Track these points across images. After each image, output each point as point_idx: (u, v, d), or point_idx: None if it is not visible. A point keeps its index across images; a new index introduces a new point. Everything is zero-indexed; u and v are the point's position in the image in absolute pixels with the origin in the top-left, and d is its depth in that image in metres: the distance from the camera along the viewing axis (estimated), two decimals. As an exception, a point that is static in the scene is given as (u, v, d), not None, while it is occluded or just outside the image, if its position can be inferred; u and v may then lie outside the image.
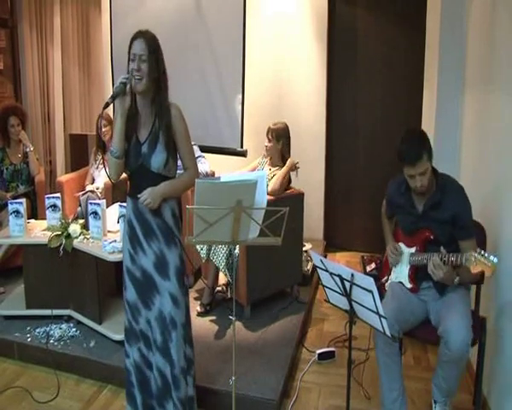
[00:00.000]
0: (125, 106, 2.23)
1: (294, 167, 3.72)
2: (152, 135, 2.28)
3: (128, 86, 2.21)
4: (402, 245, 2.67)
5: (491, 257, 2.18)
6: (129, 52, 2.24)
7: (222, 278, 3.72)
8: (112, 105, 2.24)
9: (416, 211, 2.57)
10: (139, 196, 2.27)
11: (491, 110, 2.91)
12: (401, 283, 2.66)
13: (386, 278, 2.78)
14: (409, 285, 2.61)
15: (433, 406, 2.55)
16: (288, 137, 3.79)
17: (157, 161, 2.27)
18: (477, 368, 2.60)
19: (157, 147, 2.27)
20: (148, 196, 2.25)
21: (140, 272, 2.39)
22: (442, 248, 2.37)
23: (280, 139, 3.73)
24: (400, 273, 2.67)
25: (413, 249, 2.60)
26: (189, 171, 2.38)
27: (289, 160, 3.72)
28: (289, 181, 3.77)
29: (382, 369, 2.51)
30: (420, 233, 2.56)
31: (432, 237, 2.51)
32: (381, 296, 2.77)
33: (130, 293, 2.42)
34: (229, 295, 3.75)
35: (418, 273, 2.59)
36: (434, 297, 2.56)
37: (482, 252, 2.21)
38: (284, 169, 3.66)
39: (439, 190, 2.48)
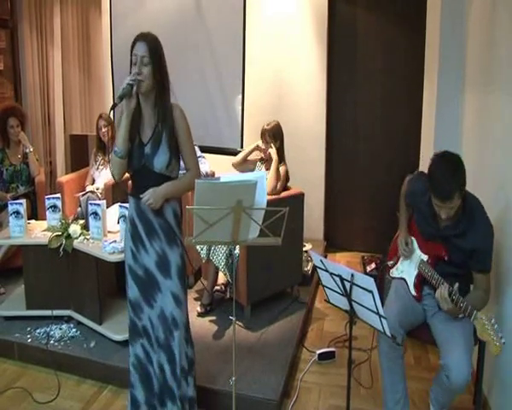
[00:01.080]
0: (130, 107, 2.24)
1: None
2: (155, 136, 2.30)
3: (135, 88, 2.21)
4: (415, 242, 2.63)
5: (500, 335, 2.07)
6: (131, 54, 2.26)
7: (221, 278, 3.72)
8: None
9: (437, 226, 2.45)
10: (141, 196, 2.28)
11: (491, 110, 2.90)
12: (404, 279, 2.64)
13: (392, 262, 2.75)
14: (414, 293, 2.58)
15: (431, 407, 2.56)
16: (283, 134, 3.79)
17: (160, 161, 2.28)
18: (477, 368, 2.60)
19: (160, 148, 2.29)
20: (150, 196, 2.27)
21: (142, 270, 2.40)
22: (456, 285, 2.26)
23: (277, 139, 3.73)
24: (407, 271, 2.64)
25: (425, 257, 2.53)
26: (191, 171, 2.40)
27: (273, 154, 3.67)
28: (287, 179, 3.77)
29: (386, 372, 2.50)
30: (435, 246, 2.47)
31: (446, 258, 2.42)
32: (384, 279, 2.76)
33: (132, 291, 2.43)
34: (228, 295, 3.75)
35: (424, 282, 2.55)
36: (434, 309, 2.51)
37: (493, 322, 2.10)
38: (273, 164, 3.64)
39: (465, 219, 2.34)
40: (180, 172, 2.43)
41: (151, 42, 2.24)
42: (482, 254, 2.33)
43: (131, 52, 2.25)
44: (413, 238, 2.65)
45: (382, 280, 2.84)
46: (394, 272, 2.73)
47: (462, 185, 2.25)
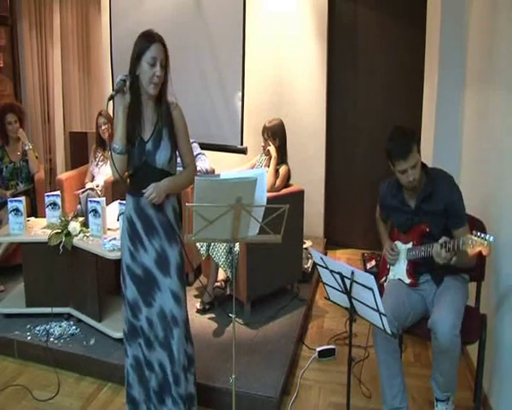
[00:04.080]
0: (125, 102, 2.25)
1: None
2: (156, 132, 2.31)
3: (127, 84, 2.22)
4: (398, 243, 2.69)
5: (488, 236, 2.19)
6: (141, 53, 2.21)
7: (221, 274, 3.72)
8: (112, 104, 2.25)
9: (409, 208, 2.60)
10: (144, 191, 2.27)
11: (491, 108, 2.90)
12: (400, 279, 2.66)
13: (384, 278, 2.78)
14: (407, 280, 2.62)
15: (435, 405, 2.55)
16: (284, 133, 3.78)
17: (162, 156, 2.30)
18: (477, 365, 2.60)
19: (161, 144, 2.30)
20: (152, 190, 2.26)
21: (141, 269, 2.39)
22: (444, 238, 2.37)
23: (276, 137, 3.72)
24: (398, 270, 2.68)
25: (410, 245, 2.61)
26: (190, 167, 2.42)
27: (272, 151, 3.68)
28: (288, 177, 3.76)
29: (382, 365, 2.50)
30: (416, 228, 2.58)
31: (428, 230, 2.52)
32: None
33: (130, 291, 2.42)
34: (228, 292, 3.74)
35: (416, 267, 2.60)
36: (432, 289, 2.58)
37: (479, 233, 2.22)
38: (272, 161, 3.65)
39: (429, 183, 2.51)
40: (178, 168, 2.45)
41: (164, 42, 2.27)
42: (454, 208, 2.47)
43: (144, 51, 2.21)
44: (396, 242, 2.71)
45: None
46: (387, 282, 2.75)
47: (417, 141, 2.46)
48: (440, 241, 2.35)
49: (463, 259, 2.35)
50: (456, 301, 2.43)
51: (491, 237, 2.18)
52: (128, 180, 2.43)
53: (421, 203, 2.54)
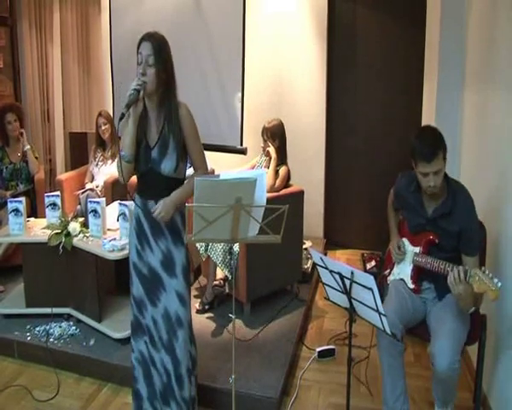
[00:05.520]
0: (137, 111, 2.22)
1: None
2: (161, 139, 2.28)
3: (142, 92, 2.18)
4: (406, 242, 2.65)
5: (495, 280, 2.13)
6: (137, 53, 2.24)
7: (220, 273, 3.71)
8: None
9: (424, 213, 2.52)
10: (152, 210, 2.27)
11: (491, 108, 2.90)
12: (402, 280, 2.65)
13: (388, 271, 2.76)
14: (411, 286, 2.59)
15: (435, 406, 2.55)
16: (284, 134, 3.78)
17: (167, 166, 2.27)
18: (477, 365, 2.59)
19: (167, 152, 2.27)
20: (161, 209, 2.25)
21: (147, 268, 2.39)
22: (467, 267, 2.29)
23: (276, 138, 3.72)
24: (403, 270, 2.66)
25: (417, 249, 2.57)
26: (199, 171, 2.39)
27: (272, 152, 3.70)
28: (288, 178, 3.76)
29: (386, 369, 2.48)
30: (425, 235, 2.52)
31: (436, 242, 2.47)
32: (383, 288, 2.77)
33: (136, 288, 2.43)
34: (226, 290, 3.74)
35: (421, 274, 2.57)
36: (433, 301, 2.55)
37: (487, 272, 2.16)
38: (272, 162, 3.66)
39: (450, 199, 2.42)
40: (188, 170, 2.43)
41: (156, 41, 2.22)
42: (469, 236, 2.40)
43: (138, 52, 2.23)
44: (404, 239, 2.68)
45: (381, 286, 2.83)
46: (391, 278, 2.74)
47: (444, 148, 2.36)
48: (464, 270, 2.26)
49: (469, 290, 2.25)
50: (458, 327, 2.35)
51: (499, 283, 2.12)
52: (134, 178, 2.43)
53: (437, 217, 2.46)
